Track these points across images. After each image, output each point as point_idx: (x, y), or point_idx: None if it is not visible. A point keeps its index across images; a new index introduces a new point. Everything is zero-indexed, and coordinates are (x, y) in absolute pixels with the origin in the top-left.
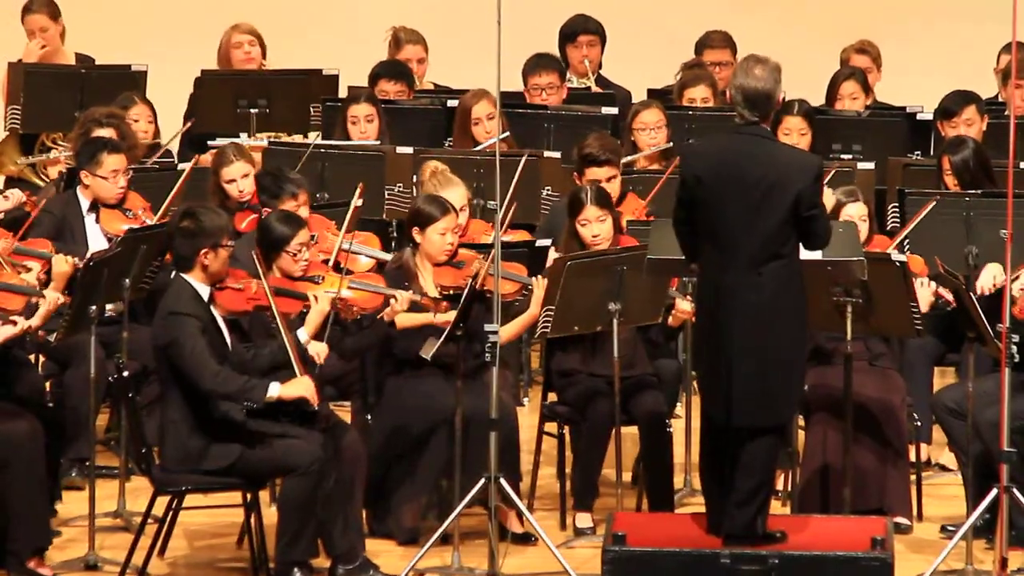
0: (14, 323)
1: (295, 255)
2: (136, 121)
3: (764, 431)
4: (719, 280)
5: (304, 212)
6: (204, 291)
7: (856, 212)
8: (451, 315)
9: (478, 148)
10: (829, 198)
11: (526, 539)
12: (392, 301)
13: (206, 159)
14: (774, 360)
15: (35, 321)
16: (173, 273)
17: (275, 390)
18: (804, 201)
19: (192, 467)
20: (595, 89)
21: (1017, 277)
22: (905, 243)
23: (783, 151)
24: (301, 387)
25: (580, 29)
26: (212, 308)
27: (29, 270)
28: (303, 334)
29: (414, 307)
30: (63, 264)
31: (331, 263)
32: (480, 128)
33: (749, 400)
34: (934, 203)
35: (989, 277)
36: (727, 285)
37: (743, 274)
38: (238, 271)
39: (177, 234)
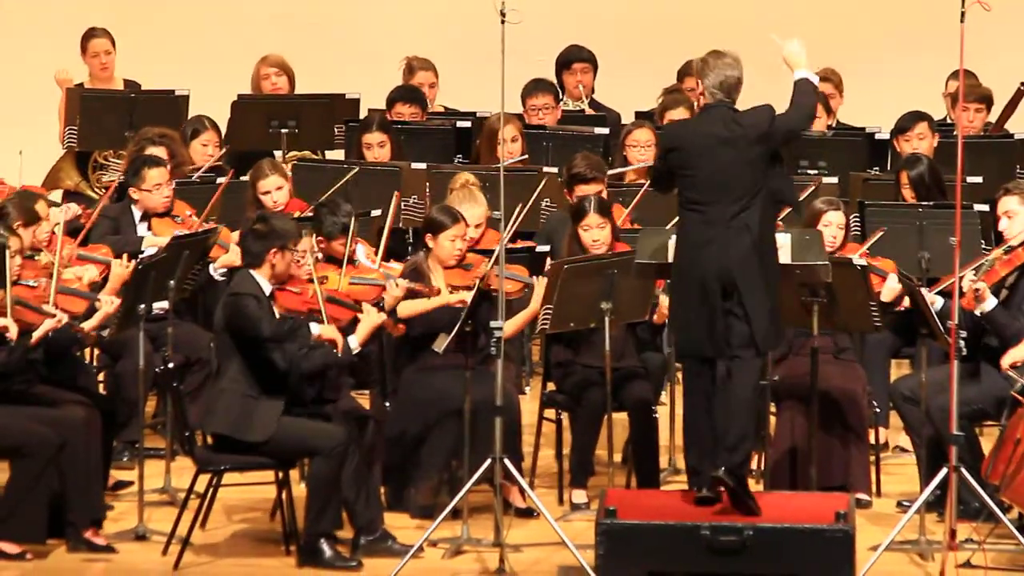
0: (52, 315)
1: (299, 261)
2: (205, 146)
3: (753, 366)
4: (706, 233)
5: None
6: (267, 288)
7: (835, 220)
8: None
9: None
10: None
11: (528, 513)
12: (391, 286)
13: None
14: (768, 294)
15: (92, 323)
16: (214, 269)
17: (316, 329)
18: (769, 141)
19: (233, 431)
20: (588, 111)
21: (963, 276)
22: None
23: (742, 116)
24: (331, 331)
25: (575, 58)
26: (271, 302)
27: (86, 269)
28: (354, 341)
29: (412, 295)
30: (121, 268)
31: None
32: (504, 148)
33: (747, 332)
34: (880, 234)
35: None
36: (717, 234)
37: (730, 223)
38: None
39: (250, 235)
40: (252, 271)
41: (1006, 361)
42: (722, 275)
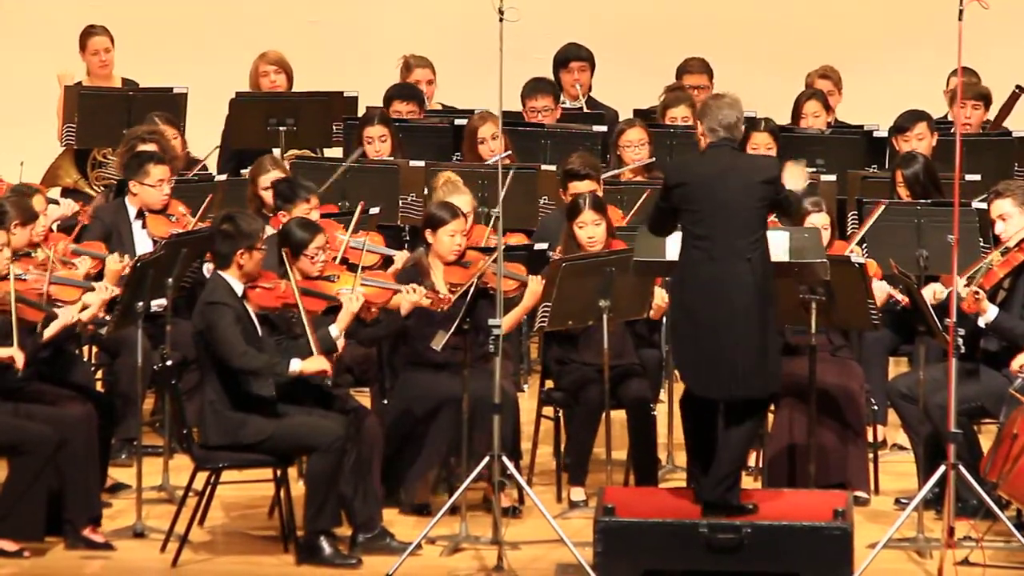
0: (55, 313)
1: (312, 257)
2: None
3: (757, 406)
4: (711, 271)
5: (315, 215)
6: (238, 288)
7: (820, 221)
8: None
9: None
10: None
11: (513, 512)
12: (410, 290)
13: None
14: (771, 334)
15: (89, 312)
16: (209, 270)
17: (296, 365)
18: (773, 187)
19: (232, 441)
20: (586, 110)
21: (961, 277)
22: (863, 248)
23: (748, 158)
24: (318, 363)
25: (572, 56)
26: (245, 303)
27: (76, 267)
28: (335, 330)
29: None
30: (115, 263)
31: (338, 259)
32: (485, 147)
33: (755, 373)
34: (882, 208)
35: (929, 293)
36: (723, 272)
37: (736, 261)
38: (268, 273)
39: (218, 235)
40: (221, 272)
41: (1016, 363)
42: (728, 310)
